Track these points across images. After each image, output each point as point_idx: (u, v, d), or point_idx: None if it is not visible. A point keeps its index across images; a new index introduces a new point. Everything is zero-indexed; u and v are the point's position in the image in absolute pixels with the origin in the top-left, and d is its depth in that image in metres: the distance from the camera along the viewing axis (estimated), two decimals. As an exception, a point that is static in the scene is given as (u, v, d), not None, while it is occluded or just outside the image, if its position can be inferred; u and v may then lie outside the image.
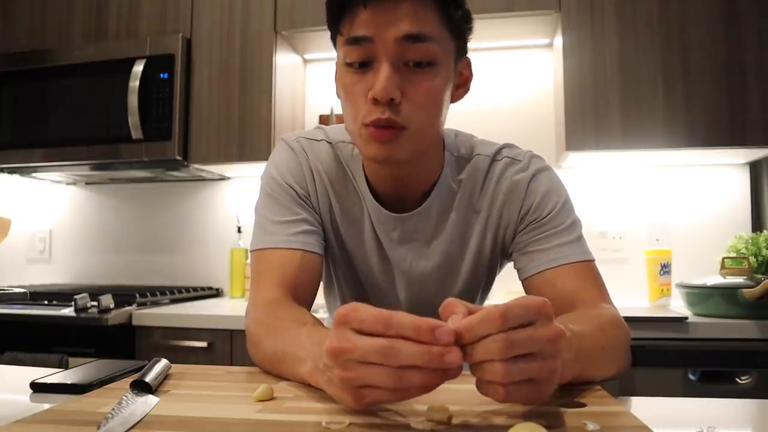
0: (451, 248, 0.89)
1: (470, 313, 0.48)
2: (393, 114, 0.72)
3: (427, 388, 0.46)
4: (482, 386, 0.48)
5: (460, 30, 0.76)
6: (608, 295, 0.82)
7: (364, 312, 0.47)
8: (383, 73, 0.70)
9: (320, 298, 0.97)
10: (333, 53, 0.81)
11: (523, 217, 0.86)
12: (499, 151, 0.90)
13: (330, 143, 0.90)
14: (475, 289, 0.93)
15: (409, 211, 0.86)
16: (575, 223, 0.85)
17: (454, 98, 0.81)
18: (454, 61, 0.77)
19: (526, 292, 0.86)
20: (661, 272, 1.87)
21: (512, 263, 0.90)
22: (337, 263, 0.94)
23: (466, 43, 0.79)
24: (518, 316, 0.46)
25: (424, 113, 0.74)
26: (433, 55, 0.72)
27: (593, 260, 0.84)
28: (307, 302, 0.83)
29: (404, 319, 0.45)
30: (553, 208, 0.84)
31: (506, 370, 0.45)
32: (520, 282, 0.87)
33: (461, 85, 0.81)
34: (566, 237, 0.83)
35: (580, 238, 0.84)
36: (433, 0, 0.72)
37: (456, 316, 0.48)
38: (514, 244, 0.88)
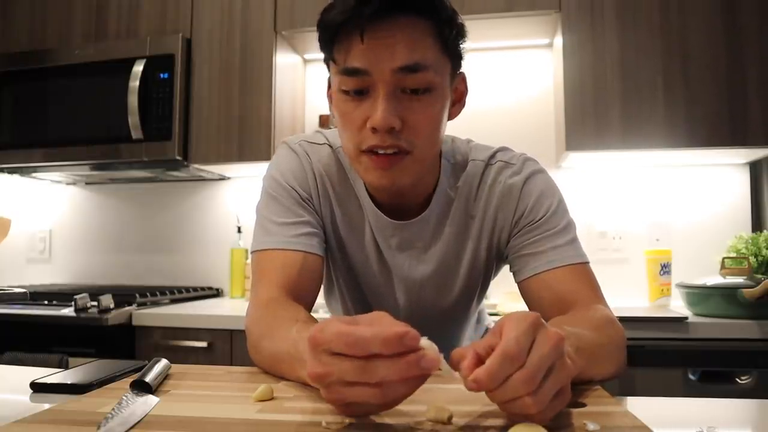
0: (448, 254, 0.89)
1: (479, 356, 0.47)
2: (393, 140, 0.72)
3: (410, 394, 0.47)
4: (516, 417, 0.48)
5: (455, 49, 0.76)
6: (603, 296, 0.82)
7: (329, 333, 0.46)
8: (381, 103, 0.70)
9: (321, 298, 0.98)
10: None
11: (518, 220, 0.86)
12: (493, 155, 0.90)
13: (331, 147, 0.91)
14: (472, 293, 0.94)
15: (408, 217, 0.87)
16: (569, 225, 0.85)
17: (451, 115, 0.81)
18: (450, 80, 0.77)
19: (522, 294, 0.86)
20: (661, 272, 1.86)
21: (508, 266, 0.91)
22: (337, 266, 0.94)
23: (461, 59, 0.79)
24: (526, 345, 0.46)
25: (424, 139, 0.74)
26: (431, 81, 0.72)
27: (588, 262, 0.84)
28: (308, 303, 0.83)
29: (367, 335, 0.44)
30: (547, 211, 0.85)
31: (537, 401, 0.45)
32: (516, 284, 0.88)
33: (457, 101, 0.82)
34: (561, 239, 0.83)
35: (574, 240, 0.84)
36: (428, 25, 0.71)
37: (467, 361, 0.47)
38: (509, 248, 0.88)
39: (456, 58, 0.77)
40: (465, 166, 0.89)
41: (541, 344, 0.47)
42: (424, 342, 0.46)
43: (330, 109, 0.84)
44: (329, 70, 0.79)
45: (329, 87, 0.84)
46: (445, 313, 0.93)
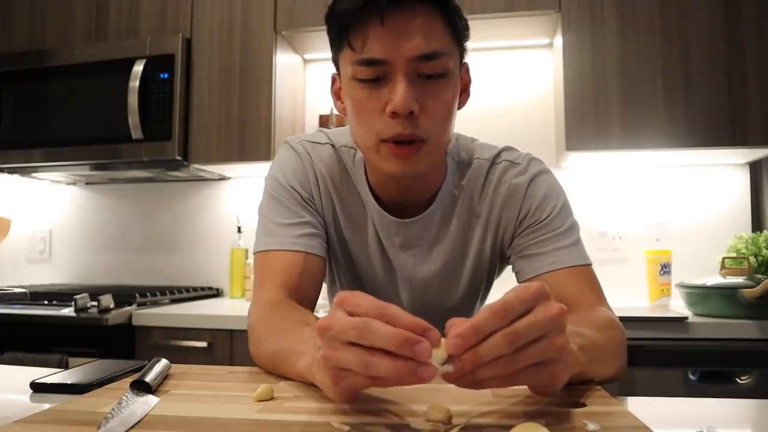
0: (452, 253, 0.89)
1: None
2: (413, 128, 0.72)
3: (399, 379, 0.44)
4: (488, 382, 0.47)
5: (462, 38, 0.78)
6: (605, 299, 0.82)
7: (362, 298, 0.47)
8: (401, 87, 0.70)
9: (323, 298, 0.97)
10: (333, 53, 0.80)
11: (522, 220, 0.86)
12: (498, 154, 0.90)
13: (333, 146, 0.90)
14: (476, 293, 0.94)
15: (412, 216, 0.87)
16: (573, 227, 0.85)
17: (459, 105, 0.81)
18: (459, 68, 0.78)
19: None
20: (661, 272, 1.86)
21: (510, 266, 0.91)
22: (340, 266, 0.94)
23: (465, 50, 0.80)
24: (518, 307, 0.47)
25: (440, 124, 0.75)
26: (445, 67, 0.73)
27: (591, 264, 0.84)
28: (310, 304, 0.83)
29: (398, 312, 0.46)
30: (552, 211, 0.85)
31: (513, 361, 0.45)
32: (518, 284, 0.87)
33: (463, 90, 0.82)
34: (564, 240, 0.83)
35: (578, 241, 0.85)
36: (441, 12, 0.72)
37: (456, 327, 0.47)
38: (512, 248, 0.88)
39: (462, 47, 0.78)
40: (470, 165, 0.89)
41: (538, 312, 0.47)
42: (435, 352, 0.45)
43: (335, 107, 0.83)
44: (338, 63, 0.79)
45: (333, 83, 0.83)
46: (449, 314, 0.91)
